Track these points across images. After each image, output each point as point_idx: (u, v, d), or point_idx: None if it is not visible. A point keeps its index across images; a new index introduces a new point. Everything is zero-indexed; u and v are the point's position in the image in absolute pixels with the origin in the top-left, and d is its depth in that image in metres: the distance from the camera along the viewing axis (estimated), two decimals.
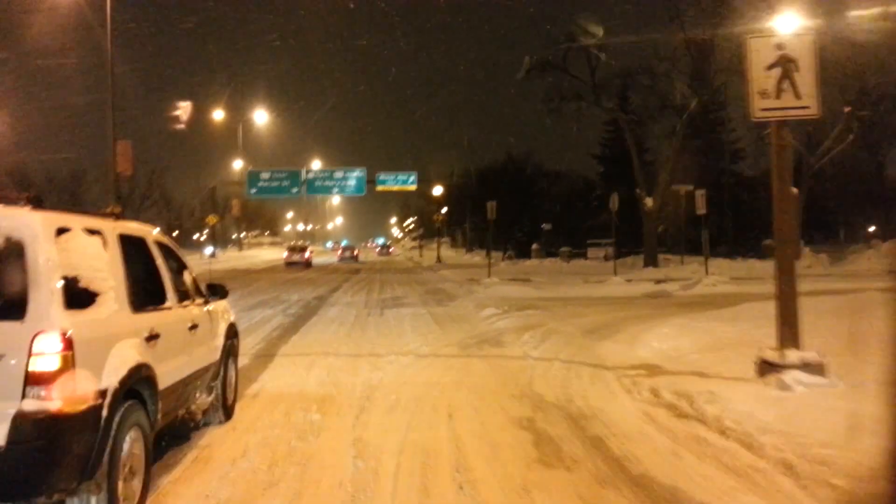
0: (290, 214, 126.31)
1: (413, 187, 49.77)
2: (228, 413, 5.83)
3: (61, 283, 3.28)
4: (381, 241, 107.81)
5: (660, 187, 27.33)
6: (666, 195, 27.68)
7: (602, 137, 47.25)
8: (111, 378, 3.46)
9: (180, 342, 4.75)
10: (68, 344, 3.16)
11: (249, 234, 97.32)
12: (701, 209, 20.34)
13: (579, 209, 47.05)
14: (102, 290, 3.63)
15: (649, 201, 26.90)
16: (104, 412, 3.33)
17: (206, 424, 5.56)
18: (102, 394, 3.35)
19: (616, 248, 38.48)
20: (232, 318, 6.32)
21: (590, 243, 39.00)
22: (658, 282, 20.51)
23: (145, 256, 4.60)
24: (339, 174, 48.22)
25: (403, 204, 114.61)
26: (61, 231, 3.44)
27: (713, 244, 34.94)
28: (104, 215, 4.31)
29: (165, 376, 4.23)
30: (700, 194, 20.38)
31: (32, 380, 3.07)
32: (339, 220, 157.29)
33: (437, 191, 52.54)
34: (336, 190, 49.26)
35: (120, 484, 3.49)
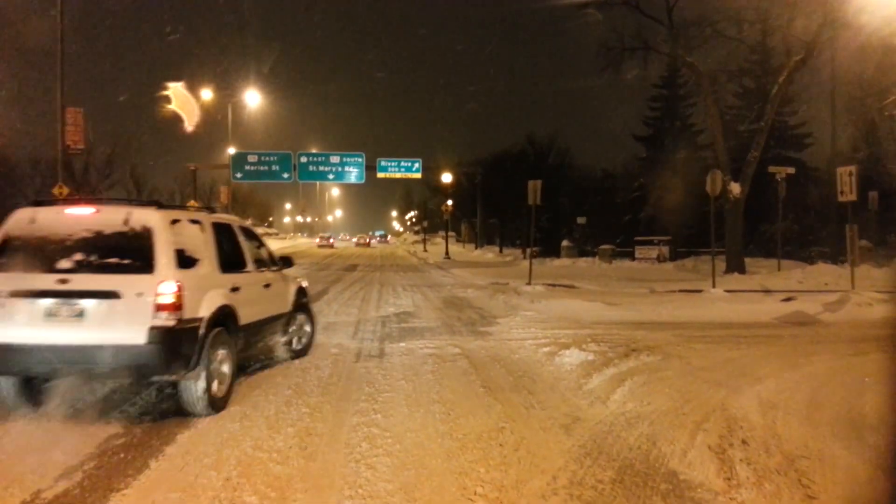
0: (288, 206, 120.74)
1: (417, 175, 44.14)
2: (303, 353, 7.92)
3: (174, 252, 5.34)
4: (380, 233, 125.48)
5: (748, 169, 20.97)
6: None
7: (645, 116, 40.69)
8: (205, 311, 5.52)
9: (256, 295, 6.82)
10: (179, 288, 5.21)
11: None
12: (849, 194, 14.08)
13: (615, 201, 40.67)
14: (201, 258, 5.77)
15: (735, 188, 20.51)
16: (201, 331, 5.40)
17: (285, 360, 7.59)
18: (199, 320, 5.41)
19: (671, 247, 32.69)
20: (303, 284, 8.37)
21: (638, 241, 32.77)
22: (787, 299, 14.25)
23: (232, 236, 6.74)
24: (335, 159, 42.43)
25: (406, 195, 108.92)
26: (174, 221, 5.58)
27: (768, 245, 29.02)
28: (202, 209, 7.10)
29: (245, 316, 6.27)
30: (846, 172, 14.11)
31: (158, 308, 5.10)
32: (338, 213, 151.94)
33: (447, 178, 46.39)
34: (332, 176, 43.60)
35: (214, 384, 5.53)
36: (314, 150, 46.12)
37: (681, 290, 16.98)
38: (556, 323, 11.26)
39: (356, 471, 4.20)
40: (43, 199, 6.07)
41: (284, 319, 7.56)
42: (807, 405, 5.95)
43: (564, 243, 35.00)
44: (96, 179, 40.17)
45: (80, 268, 5.20)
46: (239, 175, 42.86)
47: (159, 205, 5.61)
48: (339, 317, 12.04)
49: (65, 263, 5.22)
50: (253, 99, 48.73)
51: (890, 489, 3.71)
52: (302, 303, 8.08)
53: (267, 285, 7.16)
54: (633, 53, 21.91)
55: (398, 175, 43.06)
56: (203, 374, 5.35)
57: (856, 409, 5.83)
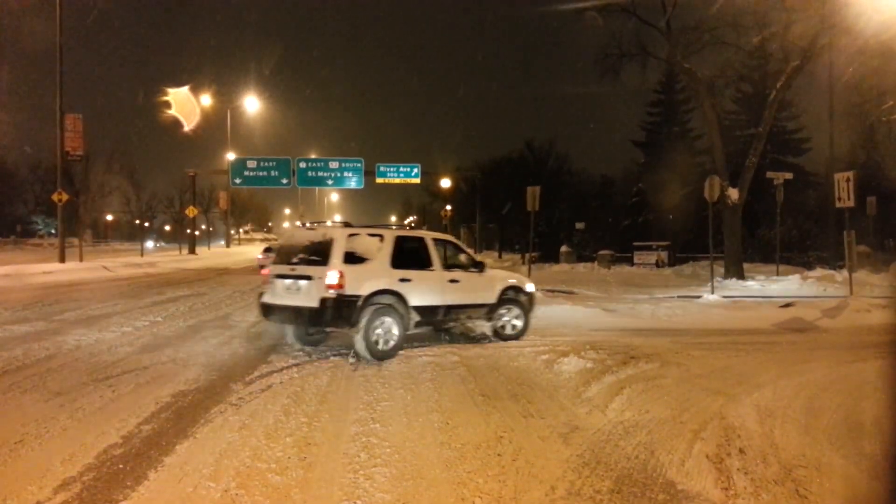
0: (287, 211, 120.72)
1: (416, 180, 44.12)
2: (513, 338, 9.95)
3: (343, 253, 8.26)
4: None
5: (746, 174, 20.94)
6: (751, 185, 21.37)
7: (644, 121, 40.77)
8: (365, 290, 8.29)
9: (435, 286, 9.16)
10: (341, 275, 8.08)
11: (241, 230, 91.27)
12: (847, 200, 14.10)
13: (614, 206, 40.65)
14: (371, 258, 8.54)
15: (734, 193, 20.49)
16: (359, 303, 8.18)
17: (490, 341, 9.82)
18: (359, 296, 8.22)
19: (670, 252, 32.66)
20: (513, 283, 10.30)
21: (636, 246, 32.74)
22: (786, 305, 14.26)
23: (420, 245, 9.30)
24: (333, 164, 42.44)
25: (405, 201, 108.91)
26: (352, 235, 8.56)
27: (766, 250, 28.96)
28: (397, 227, 9.78)
29: (417, 300, 8.81)
30: (843, 178, 14.13)
31: (327, 286, 8.02)
32: (337, 218, 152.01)
33: (445, 183, 46.43)
34: (331, 182, 43.61)
35: (380, 341, 8.35)
36: (313, 156, 46.13)
37: (679, 296, 16.99)
38: (555, 329, 11.27)
39: (354, 481, 4.21)
40: (304, 222, 10.93)
41: (486, 308, 9.84)
42: (804, 413, 5.96)
43: (563, 248, 34.94)
44: (96, 185, 40.11)
45: (300, 262, 8.71)
46: (238, 180, 42.84)
47: (347, 225, 9.05)
48: None
49: (295, 259, 8.82)
50: (252, 105, 48.92)
51: (887, 498, 3.71)
52: (509, 297, 10.06)
53: (453, 280, 9.41)
54: (631, 59, 21.95)
55: (397, 180, 43.03)
56: (363, 331, 8.21)
57: (853, 417, 5.84)
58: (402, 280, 8.73)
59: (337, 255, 8.28)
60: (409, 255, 9.01)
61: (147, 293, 17.49)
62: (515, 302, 10.16)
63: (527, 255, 34.02)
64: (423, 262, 9.19)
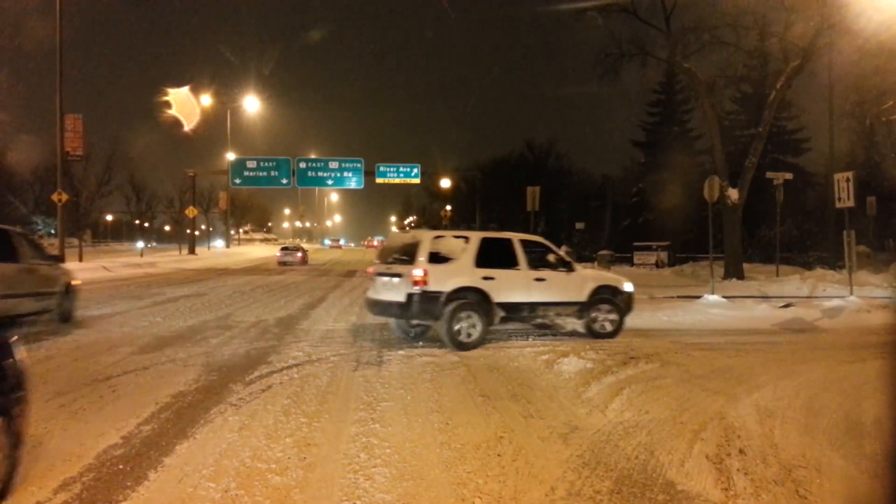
0: (287, 211, 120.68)
1: (416, 180, 44.20)
2: (608, 336, 10.22)
3: (428, 253, 9.16)
4: (379, 238, 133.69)
5: (746, 175, 20.95)
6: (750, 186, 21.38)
7: (644, 121, 40.79)
8: (448, 287, 9.09)
9: (520, 284, 9.71)
10: (425, 273, 9.00)
11: (241, 230, 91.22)
12: (846, 200, 14.11)
13: (614, 206, 40.65)
14: (456, 258, 9.33)
15: (734, 193, 20.51)
16: (441, 299, 9.00)
17: (579, 335, 10.52)
18: (441, 293, 9.03)
19: (670, 252, 32.62)
20: (605, 282, 10.56)
21: (636, 246, 32.74)
22: (785, 305, 14.26)
23: (507, 246, 9.87)
24: (333, 164, 42.50)
25: (405, 201, 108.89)
26: (437, 237, 9.51)
27: (767, 250, 28.90)
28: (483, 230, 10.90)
29: (501, 297, 9.43)
30: (843, 178, 14.14)
31: (414, 283, 8.98)
32: (337, 218, 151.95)
33: (445, 183, 46.45)
34: (331, 182, 43.70)
35: (463, 333, 9.14)
36: (313, 156, 46.18)
37: (679, 296, 17.01)
38: (555, 330, 11.27)
39: (354, 481, 4.21)
40: (402, 227, 11.93)
41: (577, 307, 10.20)
42: (804, 413, 5.96)
43: (563, 248, 34.94)
44: (95, 186, 40.11)
45: (394, 262, 9.78)
46: (238, 181, 42.91)
47: (431, 227, 10.38)
48: (337, 323, 12.04)
49: (390, 259, 9.95)
50: (252, 105, 48.94)
51: (887, 498, 3.71)
52: (603, 297, 10.31)
53: (539, 279, 9.89)
54: (631, 59, 22.00)
55: (397, 180, 43.10)
56: (446, 325, 9.07)
57: (853, 417, 5.85)
58: (486, 278, 9.44)
59: (422, 255, 9.22)
60: (494, 255, 9.68)
61: (147, 293, 17.49)
62: (610, 301, 10.37)
63: None
64: (508, 262, 9.79)
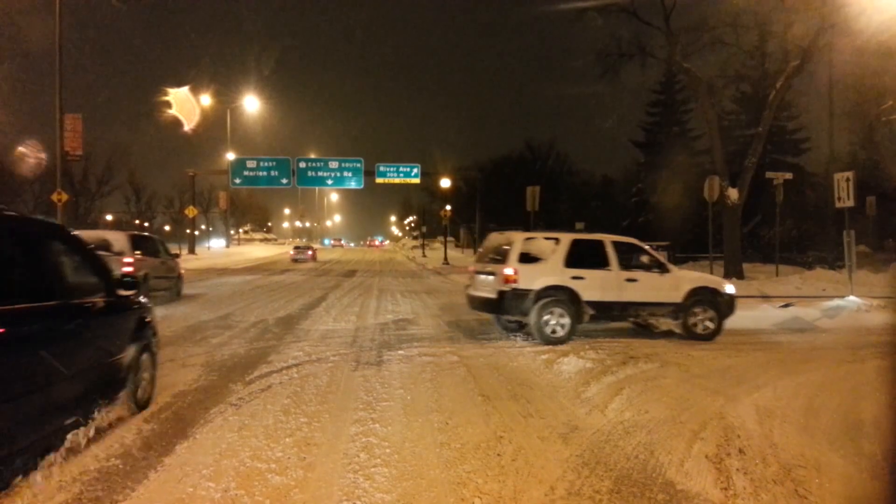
0: (287, 211, 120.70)
1: (416, 180, 44.26)
2: (706, 338, 10.31)
3: (519, 254, 9.83)
4: (379, 238, 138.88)
5: (746, 175, 20.96)
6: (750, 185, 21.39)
7: (643, 121, 40.83)
8: (537, 286, 9.69)
9: (611, 284, 10.03)
10: (515, 271, 9.72)
11: (241, 230, 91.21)
12: (846, 200, 14.12)
13: (613, 206, 40.68)
14: (545, 258, 9.88)
15: (733, 193, 20.51)
16: (530, 296, 9.64)
17: (674, 336, 10.57)
18: (530, 290, 9.66)
19: (670, 252, 32.59)
20: (705, 284, 10.65)
21: None
22: (785, 305, 14.26)
23: (599, 248, 10.19)
24: (333, 164, 42.54)
25: (405, 201, 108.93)
26: (528, 239, 10.10)
27: (766, 250, 28.90)
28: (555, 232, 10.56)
29: (591, 296, 9.85)
30: (843, 178, 14.15)
31: (505, 280, 9.72)
32: (337, 218, 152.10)
33: (445, 183, 46.43)
34: (331, 182, 43.71)
35: (549, 329, 9.66)
36: (313, 156, 46.17)
37: None
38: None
39: (354, 481, 4.21)
40: (498, 228, 12.83)
41: (671, 307, 10.36)
42: (804, 413, 5.97)
43: None
44: (95, 185, 40.12)
45: (490, 261, 10.49)
46: (238, 181, 42.91)
47: (525, 230, 10.67)
48: (337, 324, 12.04)
49: (487, 258, 10.74)
50: (252, 104, 48.92)
51: (887, 498, 3.72)
52: (701, 298, 10.42)
53: (630, 279, 10.17)
54: (630, 59, 21.99)
55: (397, 180, 43.14)
56: (535, 320, 9.67)
57: (853, 417, 5.85)
58: (575, 278, 9.88)
59: (513, 256, 9.86)
60: (584, 256, 10.09)
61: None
62: (708, 302, 10.47)
63: None
64: (599, 262, 10.14)
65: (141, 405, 5.70)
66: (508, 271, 9.76)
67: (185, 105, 39.90)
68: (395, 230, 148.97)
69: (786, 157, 37.35)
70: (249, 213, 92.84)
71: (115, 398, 5.28)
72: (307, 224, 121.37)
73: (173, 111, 39.83)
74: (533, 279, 9.75)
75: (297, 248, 48.63)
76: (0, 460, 3.62)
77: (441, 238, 57.15)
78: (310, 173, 42.07)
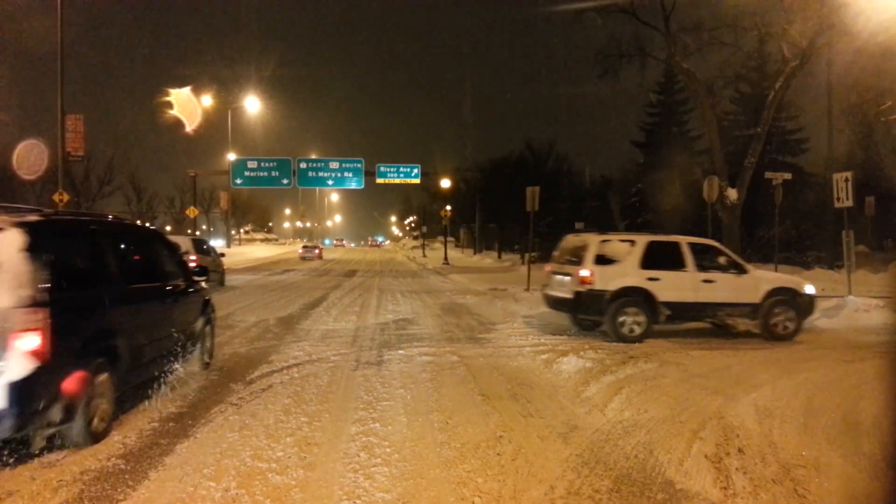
0: (287, 211, 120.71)
1: (416, 181, 44.16)
2: (786, 338, 10.40)
3: (595, 255, 10.01)
4: (380, 238, 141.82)
5: (745, 175, 20.98)
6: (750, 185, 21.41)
7: (643, 121, 40.86)
8: (612, 287, 9.89)
9: (687, 285, 10.16)
10: (591, 273, 9.94)
11: (242, 230, 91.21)
12: (845, 200, 14.14)
13: (613, 206, 40.69)
14: (621, 260, 10.05)
15: (733, 193, 20.55)
16: (605, 297, 9.87)
17: (753, 336, 10.61)
18: (606, 291, 9.88)
19: None
20: (783, 285, 10.71)
21: None
22: None
23: (675, 249, 10.36)
24: (334, 164, 42.48)
25: (405, 201, 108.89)
26: (604, 241, 10.23)
27: (765, 250, 28.89)
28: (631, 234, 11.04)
29: (665, 296, 9.99)
30: (842, 178, 14.18)
31: (580, 282, 10.01)
32: (337, 218, 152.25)
33: (445, 184, 46.43)
34: (331, 182, 43.66)
35: (626, 329, 9.88)
36: (313, 156, 46.13)
37: None
38: (554, 329, 11.30)
39: (355, 481, 4.22)
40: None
41: (749, 308, 10.39)
42: (803, 413, 5.98)
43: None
44: (96, 186, 40.14)
45: (566, 262, 10.72)
46: (238, 181, 42.90)
47: (600, 232, 10.69)
48: (338, 323, 12.06)
49: (564, 259, 10.95)
50: (253, 105, 48.91)
51: (886, 498, 3.73)
52: (779, 299, 10.47)
53: (707, 280, 10.25)
54: (630, 60, 21.99)
55: (397, 181, 43.07)
56: (611, 320, 9.88)
57: (852, 417, 5.87)
58: (651, 279, 10.05)
59: (589, 257, 10.07)
60: (660, 257, 10.23)
61: None
62: (787, 303, 10.55)
63: (526, 256, 34.12)
64: (675, 264, 10.27)
65: (205, 363, 7.65)
66: (584, 273, 10.00)
67: (187, 105, 39.92)
68: (395, 230, 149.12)
69: (785, 157, 37.31)
70: (250, 214, 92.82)
71: (191, 355, 7.18)
72: (308, 224, 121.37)
73: (175, 112, 39.85)
74: (609, 280, 9.96)
75: (305, 247, 55.33)
76: (139, 386, 6.01)
77: (441, 238, 57.15)
78: (310, 174, 42.01)
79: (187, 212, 48.74)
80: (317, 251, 51.80)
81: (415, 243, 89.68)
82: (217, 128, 48.60)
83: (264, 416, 5.68)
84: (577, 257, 10.42)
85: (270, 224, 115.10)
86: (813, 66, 21.60)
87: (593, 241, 10.24)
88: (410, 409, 5.98)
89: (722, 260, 10.65)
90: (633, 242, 10.30)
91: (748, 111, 34.95)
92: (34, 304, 4.31)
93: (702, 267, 10.37)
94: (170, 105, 40.66)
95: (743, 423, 5.60)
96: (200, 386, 6.78)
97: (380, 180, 42.42)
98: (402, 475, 4.34)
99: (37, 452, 4.58)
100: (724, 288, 10.34)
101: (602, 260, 10.08)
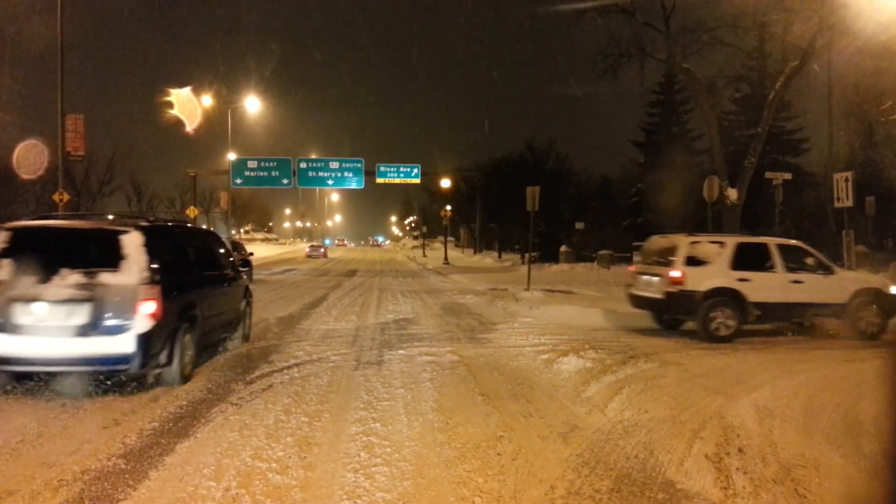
0: (288, 211, 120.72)
1: (416, 180, 44.14)
2: (872, 338, 10.48)
3: (685, 257, 10.28)
4: (380, 238, 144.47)
5: (745, 174, 20.98)
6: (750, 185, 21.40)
7: (643, 121, 40.87)
8: (703, 287, 10.09)
9: (775, 285, 10.32)
10: (683, 274, 10.17)
11: (242, 230, 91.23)
12: (845, 200, 14.14)
13: (613, 206, 40.69)
14: (711, 261, 10.27)
15: (733, 193, 20.54)
16: (697, 297, 10.10)
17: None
18: (697, 292, 10.10)
19: None
20: (870, 285, 10.93)
21: (636, 246, 32.74)
22: None
23: (764, 251, 10.51)
24: (334, 164, 42.46)
25: (405, 201, 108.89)
26: (694, 242, 10.47)
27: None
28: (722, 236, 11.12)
29: (755, 297, 10.15)
30: (842, 178, 14.18)
31: (670, 282, 10.25)
32: (337, 218, 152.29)
33: (446, 183, 46.45)
34: (331, 182, 43.63)
35: (716, 330, 10.11)
36: (313, 156, 46.11)
37: None
38: (555, 329, 11.30)
39: (355, 480, 4.22)
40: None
41: (836, 308, 10.57)
42: (803, 413, 5.98)
43: (563, 248, 34.96)
44: (97, 186, 40.15)
45: (654, 263, 11.04)
46: (239, 181, 42.86)
47: (689, 234, 10.82)
48: (338, 323, 12.06)
49: (651, 260, 11.34)
50: (253, 105, 48.86)
51: (886, 498, 3.73)
52: (864, 300, 10.62)
53: (795, 281, 10.42)
54: (630, 60, 21.98)
55: (397, 180, 43.04)
56: (702, 321, 10.11)
57: (852, 417, 5.87)
58: (741, 280, 10.23)
59: (680, 259, 10.30)
60: (749, 259, 10.43)
61: None
62: (874, 302, 10.73)
63: (526, 256, 34.12)
64: (764, 265, 10.46)
65: (245, 339, 9.49)
66: (676, 274, 10.21)
67: (187, 105, 39.90)
68: (395, 230, 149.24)
69: (785, 157, 37.32)
70: (250, 213, 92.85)
71: (236, 332, 9.11)
72: (308, 224, 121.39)
73: (175, 111, 39.86)
74: (699, 281, 10.16)
75: (312, 246, 61.87)
76: (205, 348, 7.77)
77: (441, 238, 57.16)
78: (310, 173, 41.99)
79: (187, 211, 48.66)
80: (322, 250, 57.95)
81: (415, 243, 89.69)
82: (217, 128, 48.58)
83: (264, 415, 5.68)
84: (665, 258, 10.65)
85: (270, 224, 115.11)
86: (813, 66, 21.60)
87: (683, 243, 10.45)
88: (411, 408, 5.98)
89: (809, 261, 10.81)
90: (722, 244, 10.48)
91: (748, 111, 34.98)
92: (151, 282, 6.20)
93: (790, 268, 10.52)
94: (170, 105, 40.71)
95: (743, 423, 5.60)
96: (245, 352, 8.89)
97: (380, 180, 42.41)
98: (403, 475, 4.34)
99: (151, 382, 6.60)
100: (812, 288, 10.49)
101: (692, 261, 10.29)
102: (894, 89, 22.26)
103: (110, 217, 6.98)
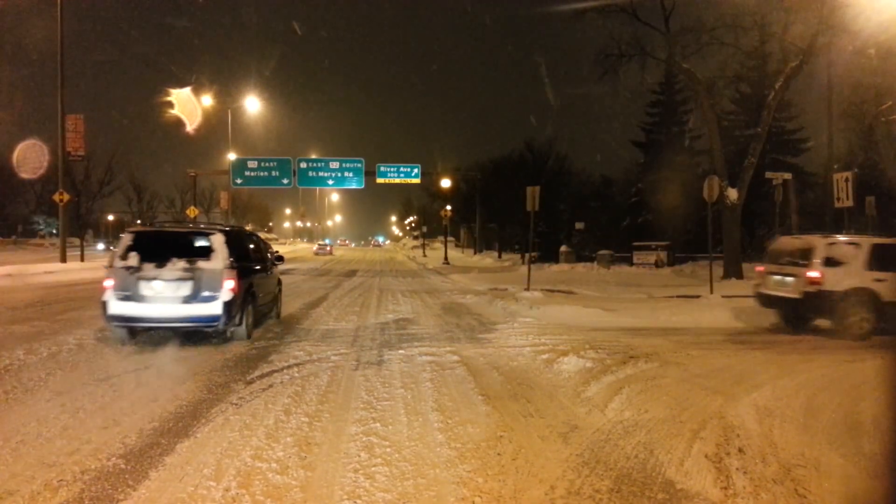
0: (288, 211, 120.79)
1: (416, 180, 44.20)
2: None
3: (823, 257, 10.60)
4: (380, 238, 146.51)
5: (745, 175, 21.00)
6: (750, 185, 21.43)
7: (643, 122, 40.89)
8: (839, 287, 10.29)
9: None
10: (821, 274, 10.40)
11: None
12: (846, 200, 14.14)
13: (613, 206, 40.70)
14: (846, 261, 10.39)
15: (733, 193, 20.57)
16: (835, 297, 10.38)
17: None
18: (834, 292, 10.35)
19: (669, 252, 32.67)
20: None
21: (636, 246, 32.79)
22: None
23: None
24: (334, 164, 42.51)
25: (405, 201, 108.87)
26: (830, 244, 10.62)
27: (765, 249, 28.86)
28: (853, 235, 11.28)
29: (891, 297, 10.23)
30: (842, 178, 14.17)
31: (808, 282, 10.42)
32: (338, 218, 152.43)
33: (446, 183, 46.49)
34: (331, 182, 43.66)
35: (855, 328, 10.25)
36: (314, 156, 46.13)
37: (678, 296, 17.02)
38: (555, 329, 11.30)
39: (355, 480, 4.22)
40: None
41: None
42: (803, 412, 5.98)
43: (563, 248, 34.97)
44: (97, 186, 40.17)
45: (787, 263, 10.87)
46: (239, 181, 42.89)
47: (824, 236, 10.90)
48: (338, 323, 12.06)
49: (782, 260, 11.14)
50: (253, 105, 48.90)
51: (886, 497, 3.73)
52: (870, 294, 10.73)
53: (877, 279, 10.53)
54: (630, 60, 22.02)
55: (397, 180, 43.09)
56: (840, 320, 10.37)
57: (852, 417, 5.87)
58: (877, 280, 10.46)
59: (817, 259, 10.53)
60: (885, 259, 10.62)
61: None
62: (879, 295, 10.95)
63: (526, 255, 34.12)
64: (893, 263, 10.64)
65: (277, 317, 12.29)
66: (814, 274, 10.47)
67: (187, 105, 39.94)
68: (395, 230, 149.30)
69: (785, 157, 37.37)
70: (250, 213, 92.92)
71: (272, 312, 11.92)
72: (308, 224, 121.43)
73: (175, 111, 39.89)
74: (837, 282, 10.41)
75: (319, 244, 69.78)
76: (260, 321, 10.97)
77: (441, 238, 57.19)
78: (311, 173, 42.04)
79: (187, 212, 48.71)
80: (328, 248, 66.79)
81: (415, 243, 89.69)
82: (217, 128, 48.61)
83: (264, 415, 5.68)
84: (800, 258, 10.84)
85: (271, 224, 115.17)
86: (813, 66, 21.63)
87: (821, 244, 10.68)
88: (411, 408, 5.98)
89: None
90: (858, 245, 10.70)
91: (748, 111, 35.01)
92: (231, 267, 8.83)
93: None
94: (171, 105, 40.75)
95: (743, 422, 5.60)
96: (280, 329, 10.25)
97: (380, 180, 42.45)
98: (403, 475, 4.34)
99: (228, 336, 9.40)
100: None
101: (829, 262, 10.51)
102: (894, 89, 22.26)
103: (202, 225, 10.20)
